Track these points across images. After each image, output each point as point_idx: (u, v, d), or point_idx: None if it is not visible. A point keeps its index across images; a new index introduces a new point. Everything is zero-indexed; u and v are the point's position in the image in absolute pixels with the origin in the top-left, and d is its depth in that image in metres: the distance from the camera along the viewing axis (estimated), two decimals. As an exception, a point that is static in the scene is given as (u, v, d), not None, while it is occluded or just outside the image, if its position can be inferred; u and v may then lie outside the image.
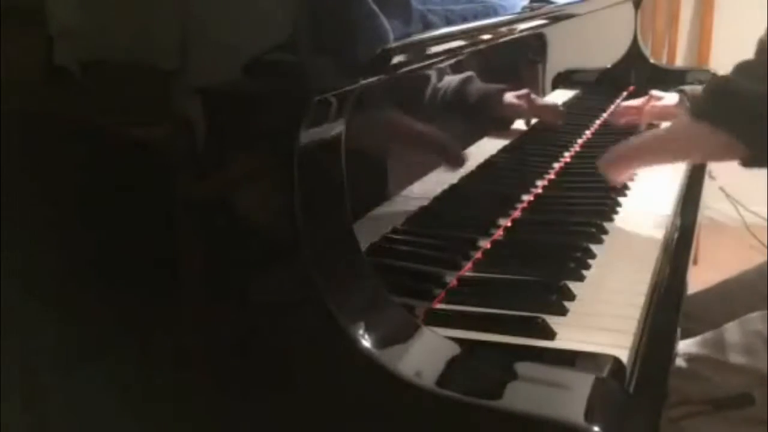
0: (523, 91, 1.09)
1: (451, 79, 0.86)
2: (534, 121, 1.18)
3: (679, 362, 1.03)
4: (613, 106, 1.63)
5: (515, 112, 1.09)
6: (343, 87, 0.59)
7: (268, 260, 0.60)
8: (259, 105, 0.59)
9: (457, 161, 0.91)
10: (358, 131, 0.64)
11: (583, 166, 1.26)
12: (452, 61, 0.86)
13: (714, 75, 0.96)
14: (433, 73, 0.83)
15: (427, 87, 0.82)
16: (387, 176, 0.77)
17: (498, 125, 1.04)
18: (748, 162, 0.94)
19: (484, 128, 0.99)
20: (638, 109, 1.45)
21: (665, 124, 1.40)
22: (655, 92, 1.47)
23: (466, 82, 0.89)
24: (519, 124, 1.14)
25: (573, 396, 0.57)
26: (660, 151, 1.06)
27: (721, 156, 1.01)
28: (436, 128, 0.87)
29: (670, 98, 1.45)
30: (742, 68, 0.95)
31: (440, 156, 0.89)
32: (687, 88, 1.44)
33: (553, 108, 1.27)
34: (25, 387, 0.70)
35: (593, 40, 1.58)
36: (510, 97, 1.05)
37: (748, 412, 1.00)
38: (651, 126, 1.43)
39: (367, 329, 0.58)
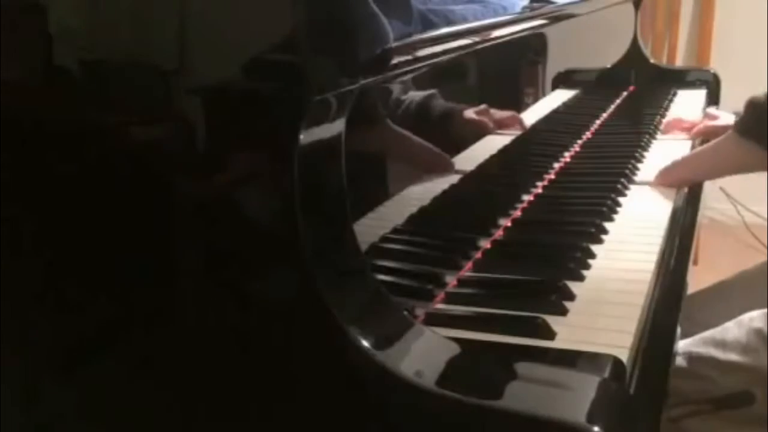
0: (482, 107, 1.08)
1: (414, 95, 0.85)
2: (531, 123, 1.18)
3: (679, 361, 1.04)
4: (613, 106, 1.63)
5: (478, 128, 1.08)
6: (343, 87, 0.59)
7: (267, 260, 0.60)
8: (259, 105, 0.59)
9: (447, 167, 0.92)
10: (359, 131, 0.64)
11: (583, 166, 1.26)
12: (451, 60, 0.86)
13: (757, 96, 1.02)
14: (396, 87, 0.82)
15: (389, 100, 0.81)
16: (387, 176, 0.77)
17: (464, 140, 1.02)
18: None
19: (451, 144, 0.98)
20: (691, 125, 1.47)
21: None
22: (711, 110, 1.49)
23: (428, 98, 0.88)
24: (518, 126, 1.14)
25: (573, 396, 0.57)
26: (709, 168, 1.13)
27: (763, 169, 1.08)
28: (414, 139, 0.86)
29: (726, 118, 1.45)
30: None
31: (430, 166, 0.89)
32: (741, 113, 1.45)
33: (512, 117, 1.26)
34: (25, 387, 0.70)
35: (593, 40, 1.58)
36: (470, 113, 1.05)
37: (748, 410, 1.00)
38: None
39: (367, 329, 0.58)
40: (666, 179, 1.16)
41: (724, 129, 1.36)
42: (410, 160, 0.84)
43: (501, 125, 1.07)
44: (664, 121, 1.54)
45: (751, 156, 1.02)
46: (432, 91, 0.86)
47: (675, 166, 1.17)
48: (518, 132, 1.12)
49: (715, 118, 1.47)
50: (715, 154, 1.09)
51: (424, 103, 0.85)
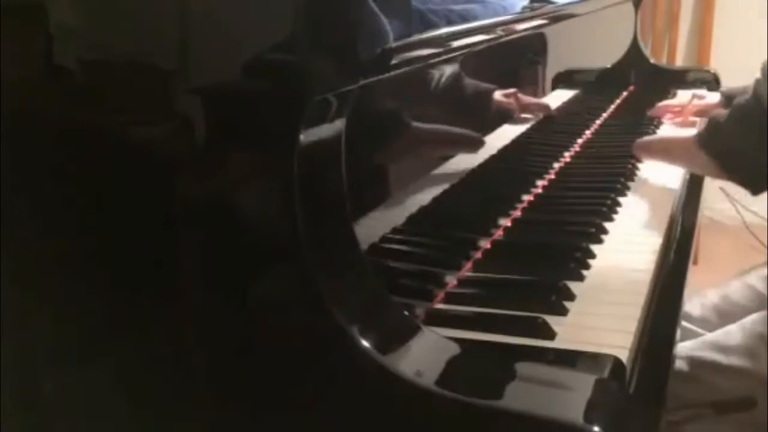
0: (511, 90, 1.12)
1: (442, 74, 0.88)
2: (532, 123, 1.18)
3: (680, 365, 1.03)
4: (613, 106, 1.63)
5: (504, 110, 1.12)
6: (343, 87, 0.59)
7: (268, 260, 0.60)
8: (260, 105, 0.59)
9: (478, 144, 0.99)
10: (360, 131, 0.64)
11: (583, 166, 1.26)
12: (451, 59, 0.86)
13: (717, 115, 1.11)
14: (426, 71, 0.84)
15: (420, 84, 0.83)
16: (387, 176, 0.77)
17: (488, 123, 1.05)
18: (753, 193, 1.07)
19: (478, 124, 1.01)
20: (681, 107, 1.58)
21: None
22: (698, 92, 1.62)
23: (456, 79, 0.91)
24: (518, 126, 1.14)
25: (573, 396, 0.57)
26: (673, 157, 1.20)
27: (715, 176, 1.16)
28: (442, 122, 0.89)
29: (712, 97, 1.58)
30: (737, 111, 1.05)
31: (462, 146, 0.94)
32: (725, 89, 1.57)
33: (540, 104, 1.33)
34: (25, 387, 0.70)
35: (593, 40, 1.58)
36: (499, 95, 1.08)
37: (750, 415, 1.00)
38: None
39: (367, 329, 0.58)
40: (643, 153, 1.22)
41: (711, 106, 1.53)
42: (436, 148, 0.88)
43: (527, 110, 1.15)
44: (655, 107, 1.62)
45: (706, 166, 1.09)
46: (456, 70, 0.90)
47: (653, 144, 1.23)
48: (535, 121, 1.17)
49: (702, 98, 1.58)
50: (680, 151, 1.16)
51: (453, 84, 0.90)
